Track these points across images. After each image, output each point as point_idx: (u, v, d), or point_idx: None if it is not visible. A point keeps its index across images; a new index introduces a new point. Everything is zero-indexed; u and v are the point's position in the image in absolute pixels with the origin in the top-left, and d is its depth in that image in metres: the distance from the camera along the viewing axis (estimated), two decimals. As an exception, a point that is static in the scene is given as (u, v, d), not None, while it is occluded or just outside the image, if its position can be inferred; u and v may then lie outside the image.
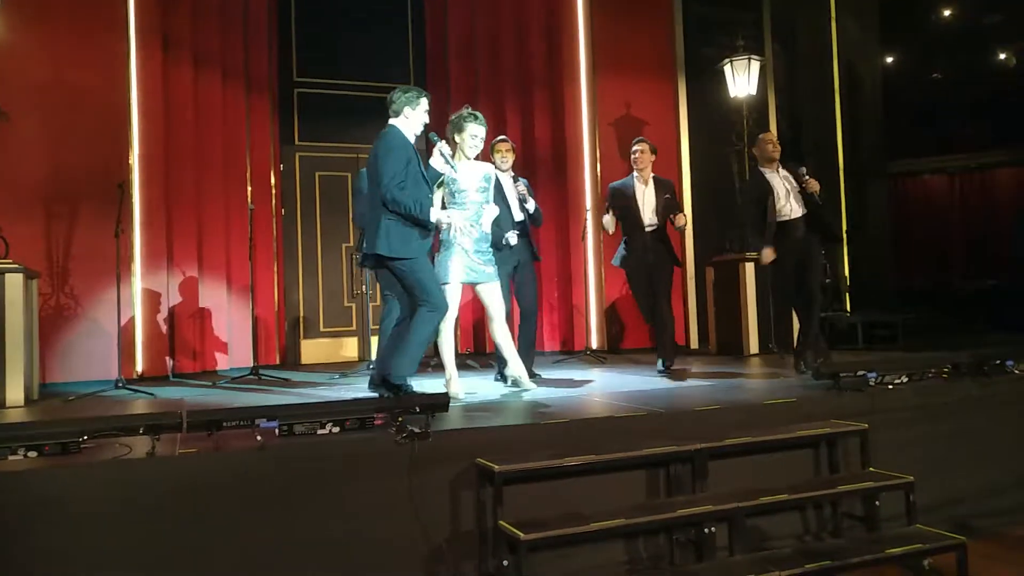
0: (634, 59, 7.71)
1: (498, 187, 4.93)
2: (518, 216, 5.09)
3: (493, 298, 4.46)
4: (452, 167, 4.21)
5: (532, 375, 5.10)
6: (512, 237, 4.88)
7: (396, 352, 4.01)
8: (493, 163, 5.06)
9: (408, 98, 4.00)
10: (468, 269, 4.38)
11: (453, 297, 4.34)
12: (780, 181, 5.08)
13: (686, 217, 5.47)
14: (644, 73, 7.76)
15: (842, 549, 3.28)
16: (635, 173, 5.50)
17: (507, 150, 5.18)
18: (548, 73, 7.78)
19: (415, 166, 3.99)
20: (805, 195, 4.99)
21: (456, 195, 4.39)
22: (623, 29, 7.69)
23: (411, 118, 4.02)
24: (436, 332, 4.14)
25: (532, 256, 5.19)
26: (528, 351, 5.13)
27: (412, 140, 4.05)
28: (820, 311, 5.23)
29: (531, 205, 5.09)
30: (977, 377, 4.35)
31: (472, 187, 4.40)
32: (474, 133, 4.42)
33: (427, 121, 4.09)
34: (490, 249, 4.50)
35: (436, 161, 4.24)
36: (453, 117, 4.53)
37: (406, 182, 3.90)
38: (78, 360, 5.78)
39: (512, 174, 5.20)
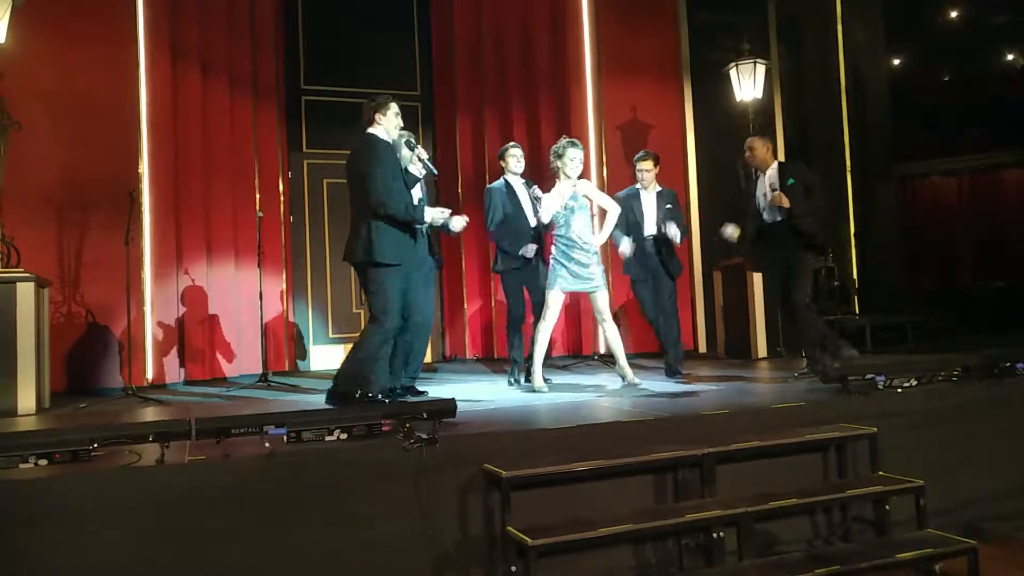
0: (640, 63, 7.71)
1: (515, 194, 5.10)
2: (533, 222, 5.16)
3: (600, 303, 4.87)
4: (432, 170, 4.47)
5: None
6: (530, 250, 5.15)
7: (346, 363, 4.06)
8: (508, 170, 5.23)
9: (376, 105, 4.19)
10: (573, 278, 4.79)
11: (556, 303, 4.83)
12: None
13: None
14: (650, 77, 7.76)
15: (852, 554, 3.27)
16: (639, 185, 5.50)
17: (521, 156, 5.30)
18: (554, 78, 7.79)
19: (396, 169, 4.16)
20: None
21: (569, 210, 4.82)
22: (628, 33, 7.70)
23: (383, 123, 4.18)
24: (380, 348, 4.16)
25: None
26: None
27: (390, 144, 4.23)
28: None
29: (546, 216, 5.19)
30: (987, 379, 4.33)
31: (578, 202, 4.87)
32: (572, 156, 4.85)
33: (401, 125, 4.30)
34: (596, 256, 4.86)
35: (414, 167, 4.42)
36: (555, 146, 4.94)
37: (391, 187, 4.05)
38: (89, 368, 5.81)
39: (524, 180, 5.30)
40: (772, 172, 5.26)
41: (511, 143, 5.59)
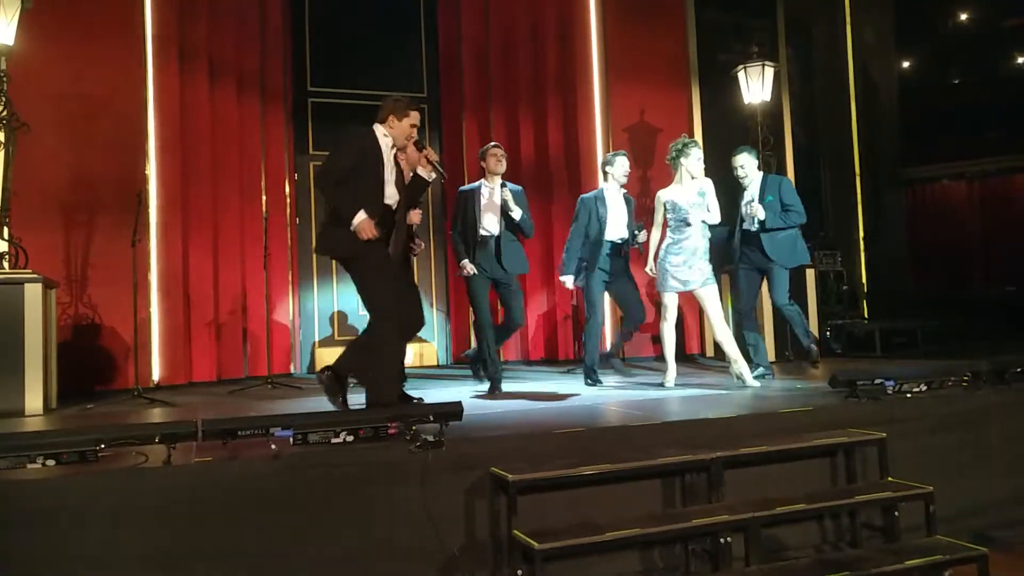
0: (647, 65, 7.69)
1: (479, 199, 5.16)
2: (485, 231, 5.11)
3: (708, 301, 4.93)
4: (442, 174, 4.17)
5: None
6: (466, 269, 5.11)
7: (371, 378, 3.84)
8: (490, 171, 5.19)
9: (396, 106, 3.88)
10: (679, 278, 4.89)
11: (672, 303, 5.00)
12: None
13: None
14: (658, 79, 7.73)
15: (860, 560, 3.23)
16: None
17: (502, 155, 5.23)
18: (561, 80, 7.78)
19: (372, 167, 3.80)
20: None
21: (678, 212, 4.91)
22: (636, 35, 7.68)
23: (394, 128, 3.88)
24: (399, 343, 3.98)
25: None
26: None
27: (389, 146, 3.90)
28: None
29: (516, 213, 5.07)
30: (997, 385, 4.29)
31: (690, 203, 4.91)
32: (698, 157, 4.97)
33: (415, 137, 4.00)
34: (705, 258, 4.93)
35: (422, 169, 4.16)
36: (675, 144, 5.04)
37: (352, 179, 3.73)
38: (96, 369, 5.82)
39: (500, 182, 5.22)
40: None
41: (492, 143, 5.40)
